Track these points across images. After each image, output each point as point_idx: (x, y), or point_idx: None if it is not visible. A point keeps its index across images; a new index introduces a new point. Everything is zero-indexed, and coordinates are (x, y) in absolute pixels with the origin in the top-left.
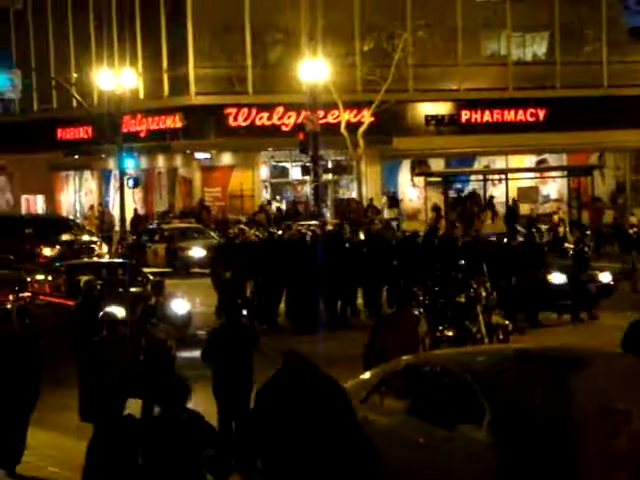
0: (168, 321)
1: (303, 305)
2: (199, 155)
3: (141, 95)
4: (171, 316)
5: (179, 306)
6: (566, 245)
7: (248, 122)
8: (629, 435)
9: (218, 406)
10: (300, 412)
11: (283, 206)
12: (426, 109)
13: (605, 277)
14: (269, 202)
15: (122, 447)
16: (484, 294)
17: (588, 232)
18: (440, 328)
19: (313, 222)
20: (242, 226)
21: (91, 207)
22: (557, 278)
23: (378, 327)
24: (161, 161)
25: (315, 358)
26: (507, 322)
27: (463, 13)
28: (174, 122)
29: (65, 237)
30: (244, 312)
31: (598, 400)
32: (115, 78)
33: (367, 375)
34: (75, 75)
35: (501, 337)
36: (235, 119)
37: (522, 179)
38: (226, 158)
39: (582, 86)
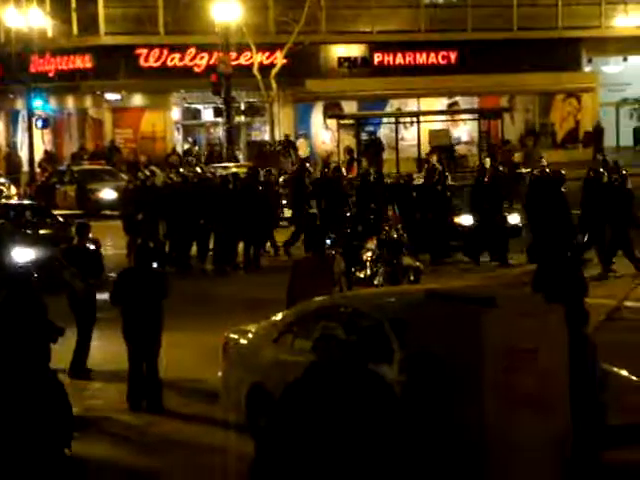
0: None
1: (220, 248)
2: (109, 96)
3: (49, 34)
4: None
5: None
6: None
7: (159, 63)
8: (536, 374)
9: (128, 349)
10: (340, 422)
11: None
12: (339, 51)
13: (513, 219)
14: (195, 142)
15: None
16: (395, 236)
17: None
18: (353, 270)
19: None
20: (153, 168)
21: None
22: (466, 220)
23: (295, 269)
24: (71, 102)
25: (240, 302)
26: (418, 263)
27: None
28: (83, 62)
29: None
30: (154, 255)
31: (506, 339)
32: (23, 17)
33: (280, 316)
34: None
35: (412, 278)
36: (146, 60)
37: (434, 122)
38: (137, 99)
39: (493, 29)
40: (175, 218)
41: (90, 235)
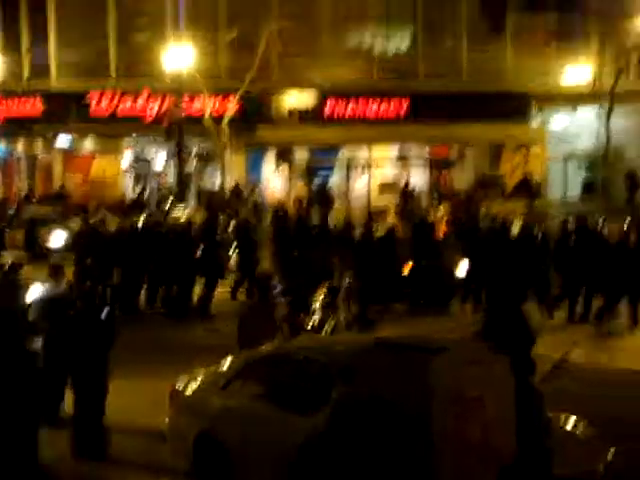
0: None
1: (170, 294)
2: (60, 140)
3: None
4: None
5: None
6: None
7: (111, 108)
8: (482, 422)
9: (74, 395)
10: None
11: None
12: (291, 99)
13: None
14: (144, 189)
15: None
16: (347, 283)
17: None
18: (301, 316)
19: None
20: (105, 213)
21: None
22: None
23: (240, 315)
24: (21, 145)
25: (190, 347)
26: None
27: (329, 5)
28: (34, 106)
29: None
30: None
31: (453, 388)
32: None
33: (227, 362)
34: None
35: (361, 326)
36: (98, 104)
37: (385, 169)
38: (88, 144)
39: (444, 79)
40: (125, 263)
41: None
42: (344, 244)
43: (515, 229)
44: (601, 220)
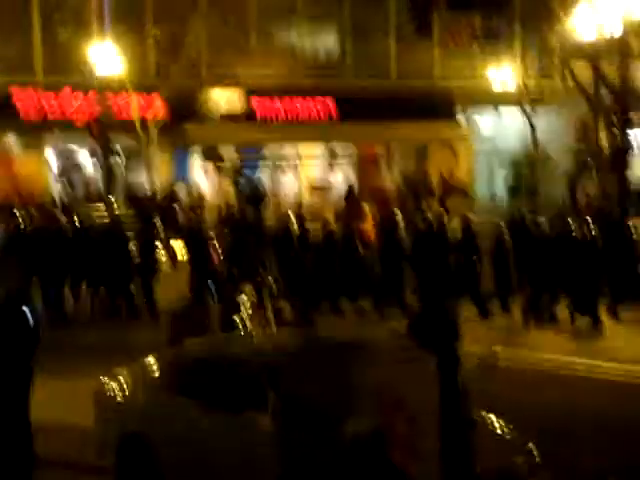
0: None
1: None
2: None
3: None
4: None
5: None
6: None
7: (35, 104)
8: (407, 419)
9: None
10: None
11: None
12: (217, 98)
13: None
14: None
15: None
16: (271, 282)
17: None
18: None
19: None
20: (33, 212)
21: None
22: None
23: (173, 318)
24: None
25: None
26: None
27: (255, 4)
28: None
29: None
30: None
31: (378, 384)
32: None
33: (154, 361)
34: None
35: (286, 324)
36: (22, 101)
37: (311, 167)
38: (11, 141)
39: (371, 78)
40: (50, 264)
41: None
42: (280, 243)
43: (449, 227)
44: (532, 217)
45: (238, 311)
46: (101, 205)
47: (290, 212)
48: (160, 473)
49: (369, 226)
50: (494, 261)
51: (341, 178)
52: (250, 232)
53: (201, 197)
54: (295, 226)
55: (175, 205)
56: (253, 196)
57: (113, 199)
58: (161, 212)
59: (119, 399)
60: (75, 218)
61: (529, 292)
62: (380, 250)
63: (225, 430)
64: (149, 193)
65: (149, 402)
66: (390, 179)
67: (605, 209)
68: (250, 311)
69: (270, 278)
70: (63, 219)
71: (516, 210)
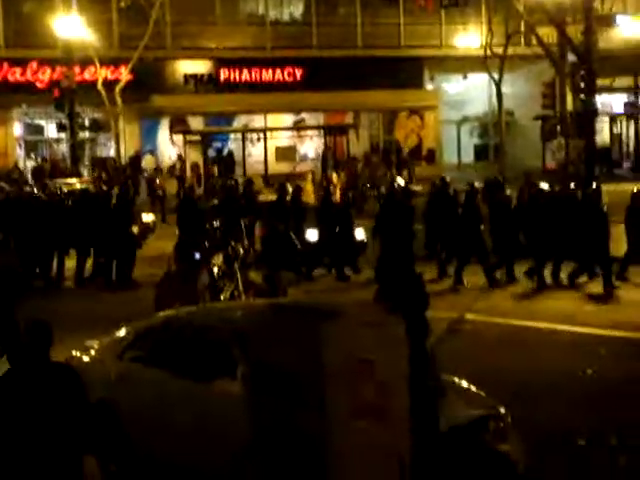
0: None
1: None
2: None
3: None
4: None
5: None
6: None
7: (0, 77)
8: (375, 383)
9: None
10: None
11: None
12: (185, 67)
13: (359, 234)
14: (43, 158)
15: None
16: (242, 252)
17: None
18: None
19: (71, 180)
20: (2, 184)
21: None
22: (312, 235)
23: (161, 283)
24: None
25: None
26: (261, 281)
27: None
28: None
29: None
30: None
31: (347, 350)
32: None
33: (124, 330)
34: None
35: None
36: None
37: (280, 138)
38: None
39: (338, 47)
40: (24, 234)
41: None
42: (249, 210)
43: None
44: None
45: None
46: (72, 179)
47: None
48: (127, 438)
49: (338, 193)
50: (466, 225)
51: (309, 148)
52: (221, 202)
53: (174, 167)
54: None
55: (140, 176)
56: (224, 165)
57: (80, 170)
58: (128, 182)
59: (90, 366)
60: (46, 189)
61: (503, 258)
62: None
63: (194, 397)
64: (114, 163)
65: (117, 371)
66: (359, 147)
67: (574, 173)
68: (222, 281)
69: (240, 248)
70: (35, 190)
71: (491, 176)
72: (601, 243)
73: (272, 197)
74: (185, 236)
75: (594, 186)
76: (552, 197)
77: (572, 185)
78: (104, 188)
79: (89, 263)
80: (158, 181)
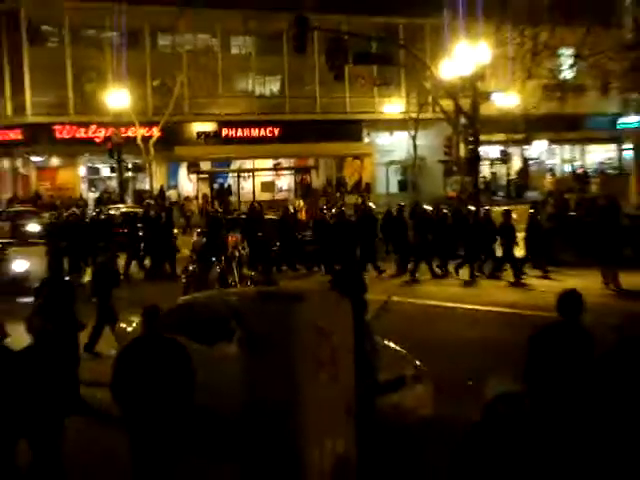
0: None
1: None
2: (34, 158)
3: None
4: (11, 272)
5: (20, 265)
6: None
7: (70, 135)
8: (330, 348)
9: None
10: None
11: (97, 194)
12: (197, 127)
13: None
14: (107, 192)
15: None
16: (237, 254)
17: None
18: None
19: (120, 206)
20: (74, 209)
21: None
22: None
23: (188, 277)
24: (6, 163)
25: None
26: (252, 273)
27: (222, 61)
28: (15, 135)
29: None
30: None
31: (312, 322)
32: None
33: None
34: None
35: (249, 284)
36: (61, 133)
37: (264, 176)
38: (54, 161)
39: (304, 112)
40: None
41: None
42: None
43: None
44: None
45: (225, 276)
46: (120, 205)
47: (255, 205)
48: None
49: (302, 214)
50: (392, 235)
51: (284, 183)
52: (222, 219)
53: (188, 198)
54: (257, 214)
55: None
56: (223, 194)
57: (126, 199)
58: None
59: (132, 334)
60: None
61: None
62: (313, 232)
63: (203, 355)
64: (152, 195)
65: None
66: (318, 182)
67: (465, 200)
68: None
69: (239, 252)
70: (90, 213)
71: (413, 202)
72: (489, 246)
73: (272, 215)
74: (208, 243)
75: (486, 207)
76: (429, 216)
77: (470, 207)
78: (152, 213)
79: (133, 264)
80: (186, 206)
